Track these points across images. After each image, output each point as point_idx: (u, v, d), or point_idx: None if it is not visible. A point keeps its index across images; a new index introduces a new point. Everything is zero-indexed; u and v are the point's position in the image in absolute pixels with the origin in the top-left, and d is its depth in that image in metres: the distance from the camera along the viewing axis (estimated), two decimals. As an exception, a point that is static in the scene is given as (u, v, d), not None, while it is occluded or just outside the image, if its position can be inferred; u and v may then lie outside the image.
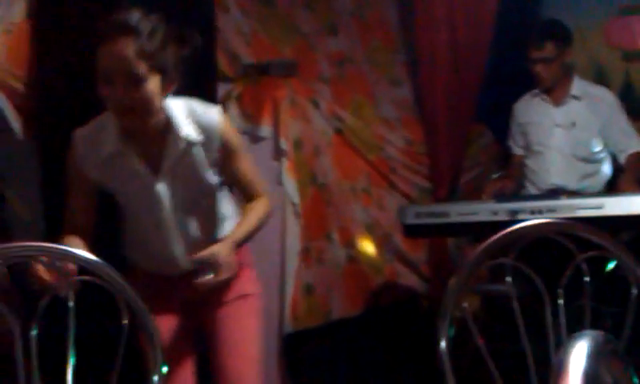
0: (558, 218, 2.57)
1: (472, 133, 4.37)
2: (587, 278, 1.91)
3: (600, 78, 4.29)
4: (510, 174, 4.00)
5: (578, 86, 3.84)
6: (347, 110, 4.05)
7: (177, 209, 2.22)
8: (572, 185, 3.76)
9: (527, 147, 3.94)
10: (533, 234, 1.89)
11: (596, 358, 1.33)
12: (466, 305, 1.89)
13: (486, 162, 4.64)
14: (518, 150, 3.99)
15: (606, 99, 3.83)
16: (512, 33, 4.57)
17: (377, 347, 3.96)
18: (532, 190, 3.86)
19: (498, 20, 4.08)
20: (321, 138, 3.93)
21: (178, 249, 2.26)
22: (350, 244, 3.99)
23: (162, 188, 2.19)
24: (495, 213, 3.31)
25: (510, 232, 1.87)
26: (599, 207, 3.16)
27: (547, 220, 2.00)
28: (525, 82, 4.76)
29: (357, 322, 3.97)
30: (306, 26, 3.92)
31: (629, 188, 3.58)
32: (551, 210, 3.21)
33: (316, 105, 3.90)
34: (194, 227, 2.27)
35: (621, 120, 3.80)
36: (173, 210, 2.22)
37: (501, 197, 3.57)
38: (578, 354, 1.32)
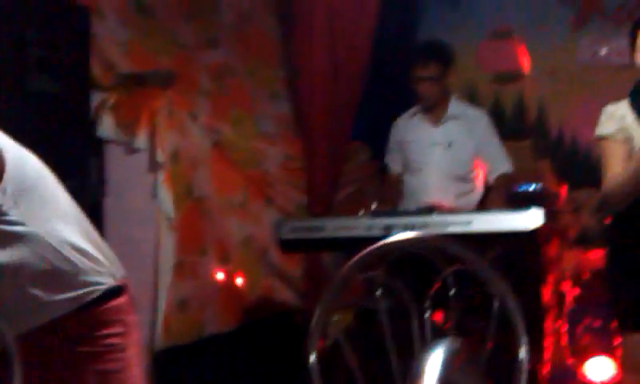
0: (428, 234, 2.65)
1: (349, 149, 4.43)
2: (453, 292, 1.97)
3: (471, 99, 4.44)
4: (386, 190, 4.08)
5: (455, 106, 3.96)
6: (226, 123, 4.02)
7: None
8: (449, 202, 3.85)
9: (406, 165, 4.01)
10: (400, 249, 1.93)
11: (451, 365, 1.36)
12: (336, 319, 1.91)
13: (363, 178, 4.72)
14: (395, 168, 4.06)
15: (482, 121, 3.97)
16: (389, 52, 4.69)
17: (251, 363, 3.94)
18: (410, 207, 3.95)
19: (376, 40, 4.16)
20: (198, 151, 3.88)
21: None
22: (225, 258, 3.96)
23: None
24: (370, 228, 3.36)
25: (379, 247, 1.90)
26: (468, 224, 3.26)
27: (414, 235, 2.04)
28: (402, 101, 4.88)
29: (231, 338, 3.93)
30: (186, 37, 3.88)
31: (495, 206, 3.73)
32: (424, 226, 3.28)
33: (194, 117, 3.85)
34: None
35: (494, 142, 3.95)
36: None
37: (375, 212, 3.63)
38: (434, 362, 1.35)
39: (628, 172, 2.71)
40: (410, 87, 3.95)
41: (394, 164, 4.07)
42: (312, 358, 1.75)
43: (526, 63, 4.94)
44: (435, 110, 3.94)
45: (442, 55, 3.88)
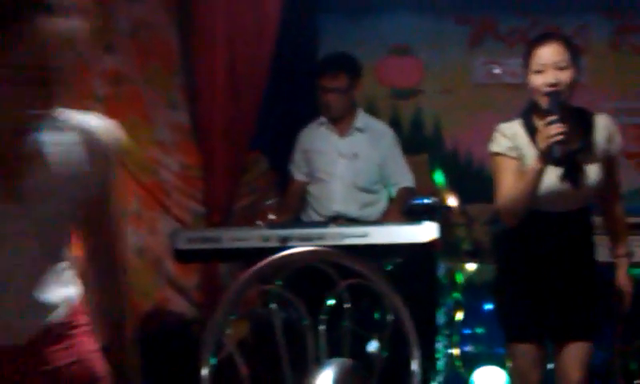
0: (325, 246, 2.65)
1: (248, 159, 4.41)
2: (348, 305, 1.98)
3: (370, 113, 4.50)
4: (287, 198, 4.08)
5: (362, 119, 4.01)
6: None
7: None
8: (353, 213, 3.90)
9: (311, 174, 4.03)
10: (295, 262, 1.93)
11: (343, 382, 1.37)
12: (229, 332, 1.88)
13: (262, 188, 4.70)
14: (299, 176, 4.07)
15: (387, 135, 4.04)
16: (289, 65, 4.70)
17: (145, 375, 3.84)
18: (314, 217, 3.97)
19: (276, 52, 4.16)
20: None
21: None
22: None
23: None
24: (266, 239, 3.34)
25: (273, 260, 1.89)
26: (364, 236, 3.29)
27: (310, 248, 2.04)
28: (301, 113, 4.90)
29: (124, 349, 3.83)
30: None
31: (394, 218, 3.78)
32: (320, 238, 3.29)
33: (88, 123, 3.74)
34: None
35: (397, 156, 4.02)
36: None
37: (272, 224, 3.62)
38: (324, 380, 1.35)
39: (520, 189, 2.79)
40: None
41: (298, 172, 4.08)
42: (204, 370, 1.72)
43: (423, 80, 5.04)
44: (342, 122, 3.98)
45: (350, 67, 3.93)
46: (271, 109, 4.70)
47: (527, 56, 2.83)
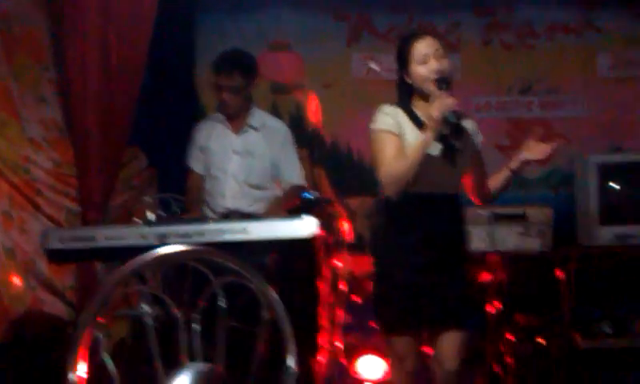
0: (205, 243, 2.63)
1: (125, 155, 4.32)
2: (223, 303, 1.96)
3: (250, 108, 4.49)
4: (190, 192, 4.03)
5: (256, 116, 4.00)
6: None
7: None
8: (245, 208, 3.89)
9: (206, 170, 4.00)
10: (167, 262, 1.90)
11: None
12: (100, 335, 1.83)
13: (140, 185, 4.62)
14: (198, 168, 4.04)
15: (281, 132, 4.04)
16: (166, 59, 4.64)
17: (20, 379, 3.72)
18: (208, 213, 3.94)
19: (153, 46, 4.09)
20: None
21: None
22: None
23: None
24: (144, 237, 3.28)
25: (145, 260, 1.85)
26: (244, 231, 3.28)
27: (184, 247, 2.01)
28: (179, 107, 4.85)
29: (-3, 353, 3.70)
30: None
31: (275, 213, 3.79)
32: (199, 234, 3.26)
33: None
34: None
35: (290, 153, 4.04)
36: None
37: (150, 221, 3.55)
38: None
39: (407, 158, 2.89)
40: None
41: (196, 166, 4.05)
42: (70, 376, 1.67)
43: (302, 75, 5.08)
44: (237, 119, 3.97)
45: (245, 65, 3.92)
46: (150, 105, 4.63)
47: (405, 51, 2.99)
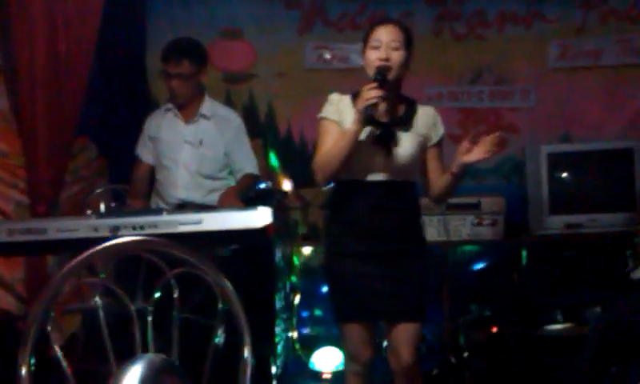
0: (159, 234, 2.59)
1: (75, 146, 4.24)
2: (176, 294, 1.94)
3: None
4: (135, 183, 3.97)
5: (208, 105, 3.95)
6: None
7: None
8: (198, 199, 3.85)
9: (156, 161, 3.95)
10: (119, 253, 1.87)
11: (151, 380, 1.33)
12: (49, 329, 1.79)
13: (90, 176, 4.55)
14: (147, 158, 3.98)
15: (234, 121, 4.00)
16: (115, 48, 4.56)
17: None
18: (160, 204, 3.89)
19: (102, 34, 4.02)
20: None
21: None
22: None
23: None
24: (96, 229, 3.22)
25: (95, 251, 1.82)
26: (198, 222, 3.25)
27: (136, 238, 1.98)
28: (129, 97, 4.78)
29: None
30: None
31: (229, 203, 3.75)
32: (153, 226, 3.21)
33: None
34: None
35: (243, 142, 4.00)
36: None
37: (102, 212, 3.50)
38: (131, 378, 1.32)
39: (335, 147, 2.92)
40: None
41: (145, 156, 3.98)
42: (22, 370, 1.62)
43: (255, 64, 5.04)
44: (188, 108, 3.92)
45: (195, 53, 3.87)
46: (100, 94, 4.55)
47: (366, 34, 3.02)
